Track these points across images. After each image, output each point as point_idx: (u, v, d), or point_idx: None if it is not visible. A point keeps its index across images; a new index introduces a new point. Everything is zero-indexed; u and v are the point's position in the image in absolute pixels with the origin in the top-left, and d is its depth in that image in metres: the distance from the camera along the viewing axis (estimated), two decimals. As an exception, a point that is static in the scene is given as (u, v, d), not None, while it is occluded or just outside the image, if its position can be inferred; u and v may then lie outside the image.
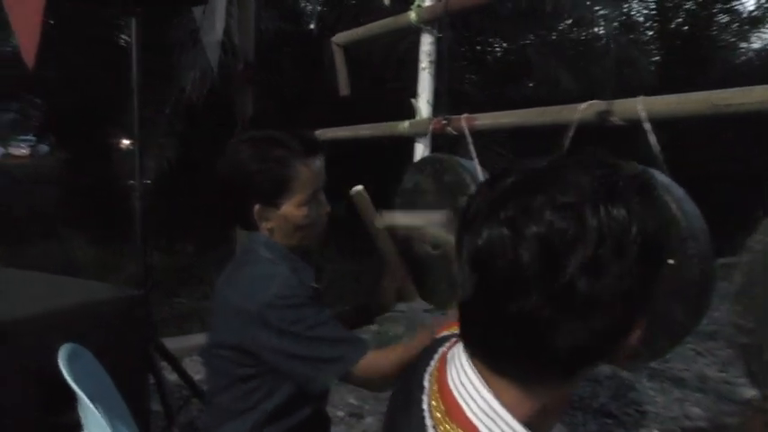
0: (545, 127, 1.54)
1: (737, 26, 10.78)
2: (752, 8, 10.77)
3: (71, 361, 1.38)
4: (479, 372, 0.72)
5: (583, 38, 9.55)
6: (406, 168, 1.96)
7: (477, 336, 0.70)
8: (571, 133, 1.44)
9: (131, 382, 2.09)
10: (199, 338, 4.32)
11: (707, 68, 10.56)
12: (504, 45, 9.15)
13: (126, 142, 7.78)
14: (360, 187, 1.69)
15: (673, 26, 10.96)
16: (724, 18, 10.94)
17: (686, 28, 10.97)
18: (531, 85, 8.52)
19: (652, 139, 1.26)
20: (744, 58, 11.49)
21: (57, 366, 1.36)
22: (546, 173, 0.65)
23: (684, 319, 1.19)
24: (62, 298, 1.89)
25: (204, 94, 4.62)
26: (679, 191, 1.16)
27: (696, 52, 10.51)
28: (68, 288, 2.03)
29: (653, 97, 1.29)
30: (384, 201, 1.96)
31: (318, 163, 1.44)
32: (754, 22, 10.69)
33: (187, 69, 4.65)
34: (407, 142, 2.07)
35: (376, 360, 1.32)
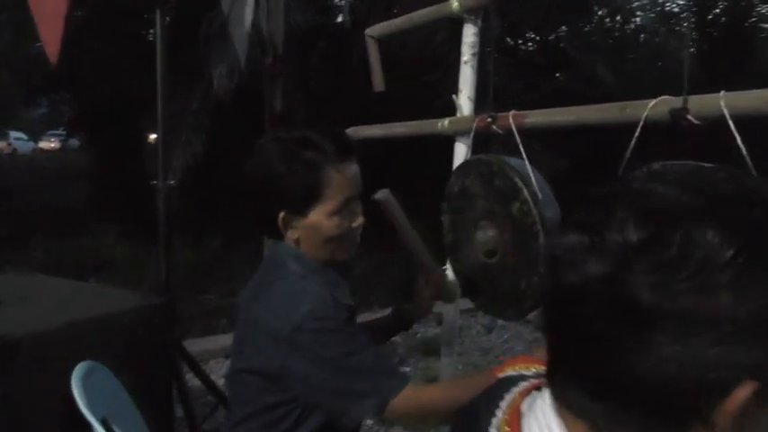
0: (605, 126, 1.39)
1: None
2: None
3: (85, 381, 1.28)
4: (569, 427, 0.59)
5: (618, 29, 9.30)
6: (443, 169, 1.82)
7: (554, 357, 0.61)
8: (637, 133, 1.29)
9: (155, 390, 2.01)
10: (225, 339, 4.24)
11: (748, 60, 10.23)
12: (537, 36, 8.92)
13: (154, 137, 7.79)
14: (386, 191, 1.55)
15: (710, 17, 10.62)
16: (764, 9, 10.57)
17: (724, 19, 10.62)
18: (558, 76, 8.30)
19: (739, 140, 1.10)
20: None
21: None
22: (641, 180, 0.58)
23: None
24: (83, 309, 1.80)
25: (232, 89, 4.52)
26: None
27: (736, 43, 10.17)
28: (90, 296, 1.94)
29: (737, 93, 1.13)
30: (421, 203, 1.82)
31: (353, 168, 1.31)
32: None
33: (215, 64, 4.56)
34: (447, 141, 1.92)
35: (416, 395, 1.19)
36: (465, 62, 1.83)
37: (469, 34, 1.81)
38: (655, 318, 0.50)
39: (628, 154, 1.33)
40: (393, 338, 1.78)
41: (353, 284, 1.47)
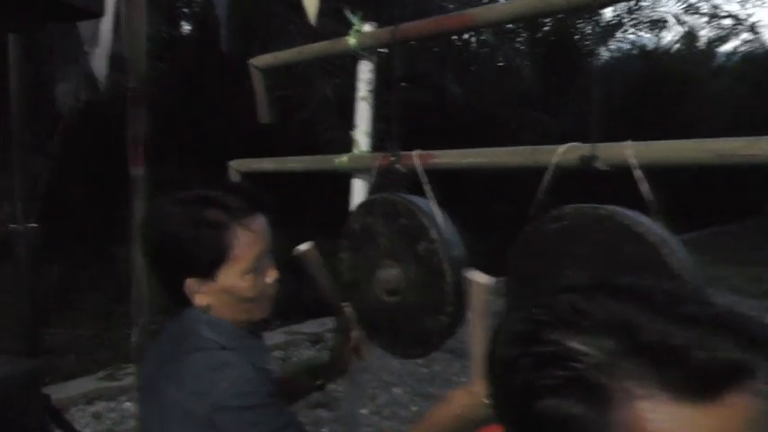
0: (515, 169, 1.44)
1: (599, 33, 11.51)
2: (609, 17, 11.52)
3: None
4: None
5: (460, 44, 9.79)
6: (338, 201, 1.79)
7: None
8: (548, 177, 1.34)
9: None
10: (86, 383, 3.89)
11: (574, 74, 11.24)
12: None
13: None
14: (309, 244, 1.50)
15: (540, 35, 11.54)
16: (586, 26, 11.68)
17: (553, 37, 11.58)
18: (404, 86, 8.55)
19: (644, 187, 1.19)
20: (603, 60, 12.39)
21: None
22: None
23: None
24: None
25: (78, 112, 4.15)
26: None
27: (563, 58, 11.14)
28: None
29: (644, 143, 1.21)
30: (319, 237, 1.78)
31: (261, 222, 1.24)
32: (611, 29, 11.50)
33: (58, 81, 4.16)
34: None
35: None
36: (362, 98, 1.82)
37: (365, 71, 1.80)
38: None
39: (540, 195, 1.39)
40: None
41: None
